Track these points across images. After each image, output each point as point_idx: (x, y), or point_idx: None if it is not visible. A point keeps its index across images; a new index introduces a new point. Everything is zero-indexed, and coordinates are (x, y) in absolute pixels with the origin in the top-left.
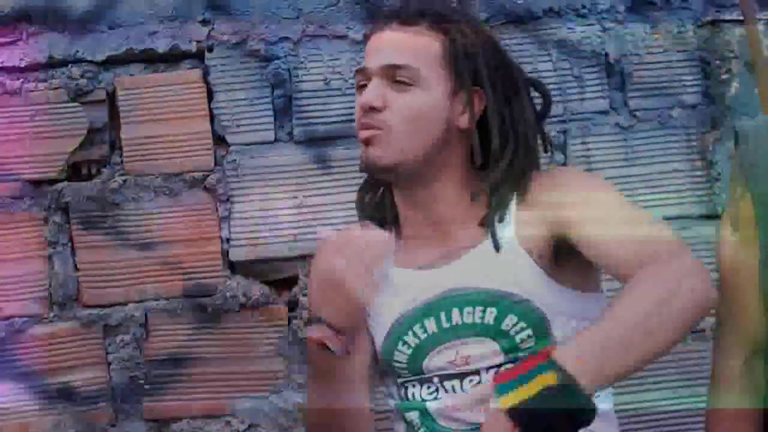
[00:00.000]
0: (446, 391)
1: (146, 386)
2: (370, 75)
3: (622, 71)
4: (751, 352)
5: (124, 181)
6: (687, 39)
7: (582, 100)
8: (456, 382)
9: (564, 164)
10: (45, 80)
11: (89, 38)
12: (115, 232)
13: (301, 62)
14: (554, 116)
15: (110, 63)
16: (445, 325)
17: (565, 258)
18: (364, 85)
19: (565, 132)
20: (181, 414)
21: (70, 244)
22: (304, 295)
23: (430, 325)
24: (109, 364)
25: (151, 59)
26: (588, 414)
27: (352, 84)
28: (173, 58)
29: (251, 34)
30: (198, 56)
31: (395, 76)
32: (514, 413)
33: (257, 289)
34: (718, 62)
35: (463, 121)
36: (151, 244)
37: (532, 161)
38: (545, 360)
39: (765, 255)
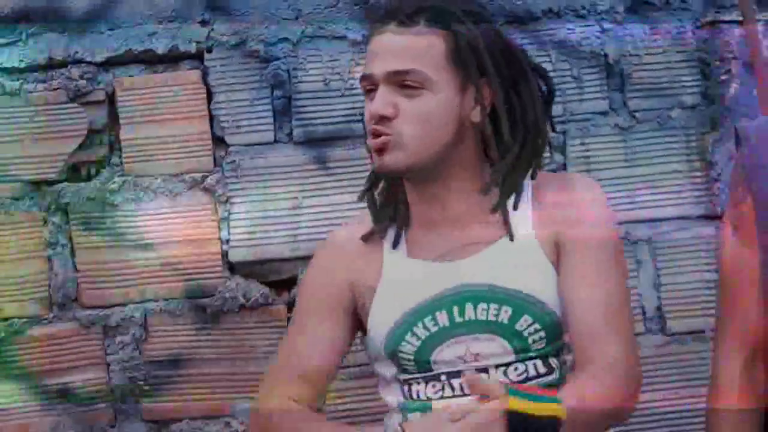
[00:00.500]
0: (453, 389)
1: (146, 387)
2: (377, 81)
3: (622, 72)
4: (751, 353)
5: (124, 181)
6: (686, 40)
7: (581, 100)
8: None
9: (564, 165)
10: (44, 81)
11: (89, 39)
12: (114, 232)
13: (301, 63)
14: (553, 117)
15: (110, 64)
16: (458, 319)
17: None
18: (371, 89)
19: (564, 133)
20: (180, 415)
21: (69, 245)
22: None
23: (442, 317)
24: (109, 365)
25: (150, 60)
26: None
27: (352, 85)
28: (173, 59)
29: (251, 35)
30: (197, 57)
31: (403, 81)
32: (513, 418)
33: (257, 290)
34: (717, 63)
35: (475, 115)
36: (151, 245)
37: (543, 146)
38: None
39: (765, 256)
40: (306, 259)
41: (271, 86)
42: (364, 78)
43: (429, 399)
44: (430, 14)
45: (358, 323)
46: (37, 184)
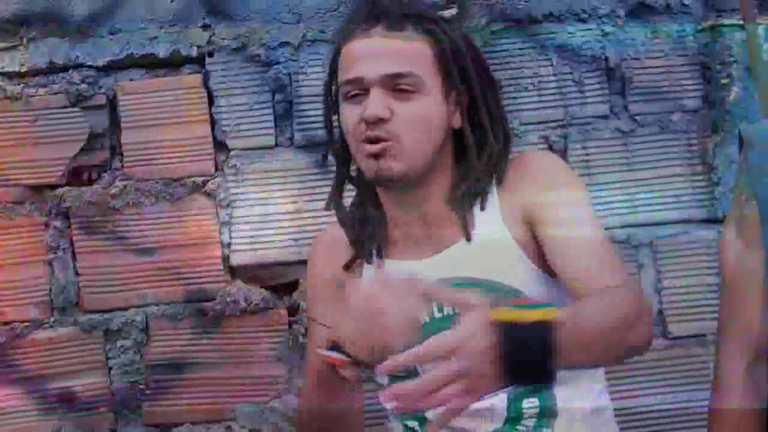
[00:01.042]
0: None
1: (147, 391)
2: (368, 85)
3: (623, 76)
4: (754, 356)
5: (125, 186)
6: (687, 43)
7: (582, 104)
8: None
9: None
10: (45, 85)
11: (90, 43)
12: (115, 237)
13: (302, 67)
14: (555, 121)
15: (111, 68)
16: (437, 315)
17: None
18: (357, 95)
19: (565, 137)
20: (181, 419)
21: (70, 249)
22: (305, 299)
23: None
24: (110, 369)
25: (151, 64)
26: (550, 372)
27: None
28: (174, 63)
29: (252, 39)
30: (198, 61)
31: (397, 84)
32: (500, 327)
33: (258, 294)
34: (718, 67)
35: (456, 120)
36: (152, 249)
37: (509, 148)
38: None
39: None
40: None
41: (272, 90)
42: (350, 82)
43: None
44: (416, 20)
45: None
46: (38, 189)
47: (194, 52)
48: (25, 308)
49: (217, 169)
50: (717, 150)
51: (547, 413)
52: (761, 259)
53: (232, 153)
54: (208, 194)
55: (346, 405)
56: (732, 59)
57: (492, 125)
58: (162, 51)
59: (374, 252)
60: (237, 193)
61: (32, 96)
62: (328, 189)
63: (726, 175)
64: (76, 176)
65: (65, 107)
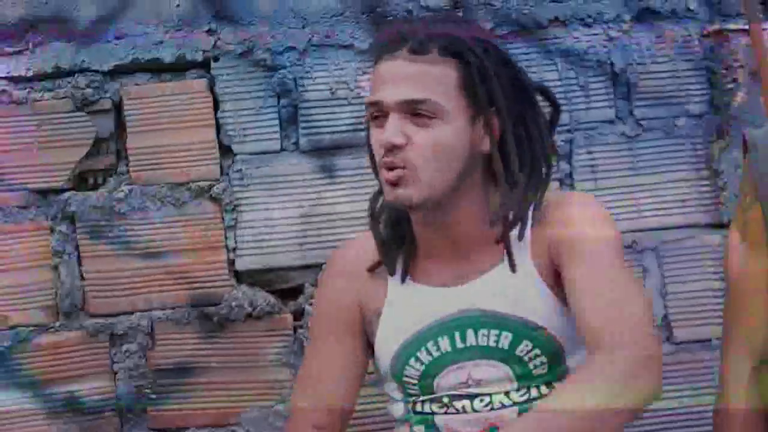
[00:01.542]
0: (456, 410)
1: (152, 395)
2: (387, 110)
3: (628, 80)
4: (759, 360)
5: (130, 190)
6: (692, 48)
7: (588, 109)
8: (466, 402)
9: (570, 174)
10: (51, 90)
11: (95, 48)
12: (121, 241)
13: (307, 72)
14: (560, 125)
15: (116, 72)
16: (459, 345)
17: None
18: (379, 117)
19: (570, 141)
20: (186, 423)
21: (76, 254)
22: (310, 304)
23: (444, 343)
24: (115, 373)
25: (157, 69)
26: None
27: (358, 93)
28: (179, 68)
29: (257, 43)
30: (204, 66)
31: (415, 110)
32: None
33: (263, 299)
34: (723, 71)
35: (485, 144)
36: (157, 253)
37: (548, 176)
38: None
39: None
40: (313, 267)
41: (277, 95)
42: (373, 104)
43: (433, 413)
44: (442, 43)
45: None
46: (43, 193)
47: (200, 57)
48: (31, 312)
49: (222, 174)
50: (722, 155)
51: None
52: (766, 263)
53: (237, 157)
54: (214, 199)
55: None
56: (737, 64)
57: (519, 153)
58: (167, 55)
59: (405, 274)
60: (242, 198)
61: (38, 100)
62: (333, 193)
63: (731, 179)
64: (81, 181)
65: (71, 112)
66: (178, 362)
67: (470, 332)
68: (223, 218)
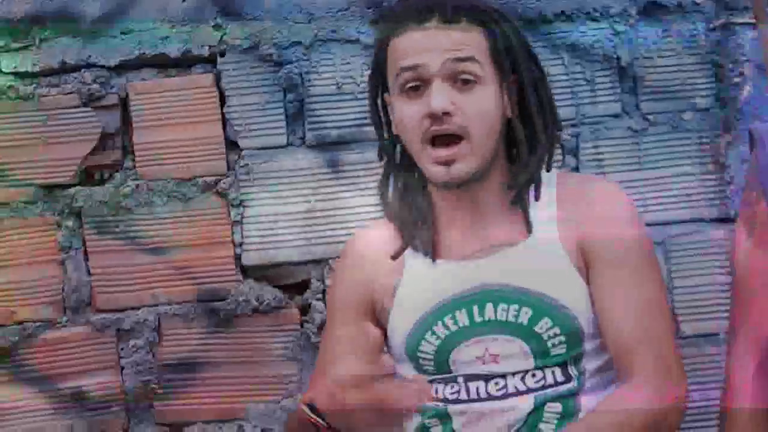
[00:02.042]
0: (469, 392)
1: (159, 390)
2: (429, 76)
3: (634, 75)
4: (765, 355)
5: (137, 185)
6: (699, 42)
7: (594, 103)
8: (481, 384)
9: (576, 168)
10: (57, 85)
11: (102, 43)
12: (127, 236)
13: (313, 66)
14: (566, 120)
15: (123, 68)
16: (478, 319)
17: None
18: (415, 88)
19: (577, 136)
20: (193, 418)
21: (82, 249)
22: (317, 299)
23: (462, 317)
24: (122, 368)
25: (163, 64)
26: None
27: (364, 88)
28: (185, 63)
29: (263, 38)
30: (210, 61)
31: (459, 73)
32: None
33: (269, 294)
34: (730, 65)
35: (508, 111)
36: (164, 248)
37: (559, 137)
38: None
39: None
40: (319, 262)
41: (283, 90)
42: (408, 69)
43: (446, 401)
44: (469, 12)
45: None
46: (50, 188)
47: (206, 52)
48: (38, 308)
49: (228, 169)
50: (729, 149)
51: (567, 419)
52: None
53: (243, 152)
54: (220, 194)
55: None
56: (744, 58)
57: (541, 115)
58: (174, 51)
59: (425, 252)
60: (249, 193)
61: (44, 96)
62: (340, 188)
63: (738, 173)
64: (88, 176)
65: (77, 107)
66: (185, 357)
67: (489, 306)
68: (229, 213)
